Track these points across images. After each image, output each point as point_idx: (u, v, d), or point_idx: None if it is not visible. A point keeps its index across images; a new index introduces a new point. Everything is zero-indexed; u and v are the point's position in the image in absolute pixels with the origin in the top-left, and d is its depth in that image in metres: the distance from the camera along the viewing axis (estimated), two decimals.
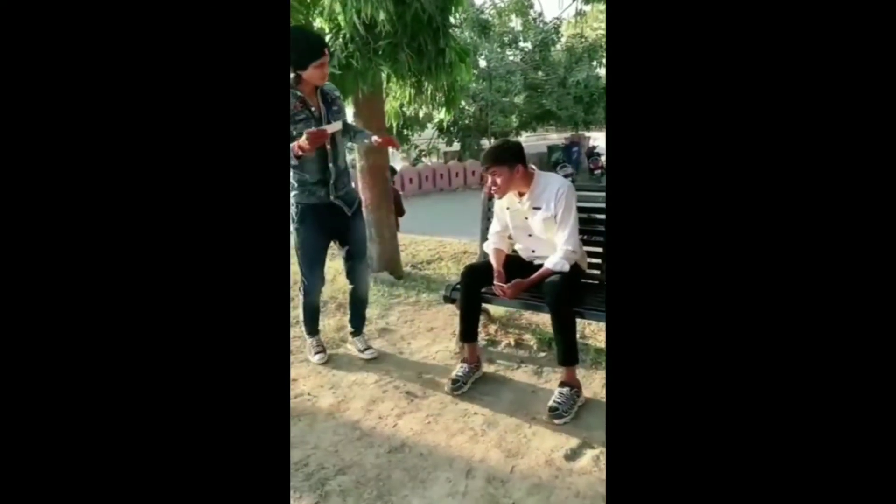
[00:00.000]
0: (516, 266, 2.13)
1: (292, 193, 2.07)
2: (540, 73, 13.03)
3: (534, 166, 2.13)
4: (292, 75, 1.95)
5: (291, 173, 2.05)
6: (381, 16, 2.52)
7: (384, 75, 2.95)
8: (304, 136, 1.83)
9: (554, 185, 2.05)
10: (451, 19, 2.98)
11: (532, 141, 16.69)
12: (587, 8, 11.82)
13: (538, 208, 2.05)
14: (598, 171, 15.01)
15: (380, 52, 2.74)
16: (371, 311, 2.80)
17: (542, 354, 2.39)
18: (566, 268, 1.99)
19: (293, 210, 2.08)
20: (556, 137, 17.41)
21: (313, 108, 2.01)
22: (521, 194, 2.06)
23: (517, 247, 2.24)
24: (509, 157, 2.00)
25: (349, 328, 2.49)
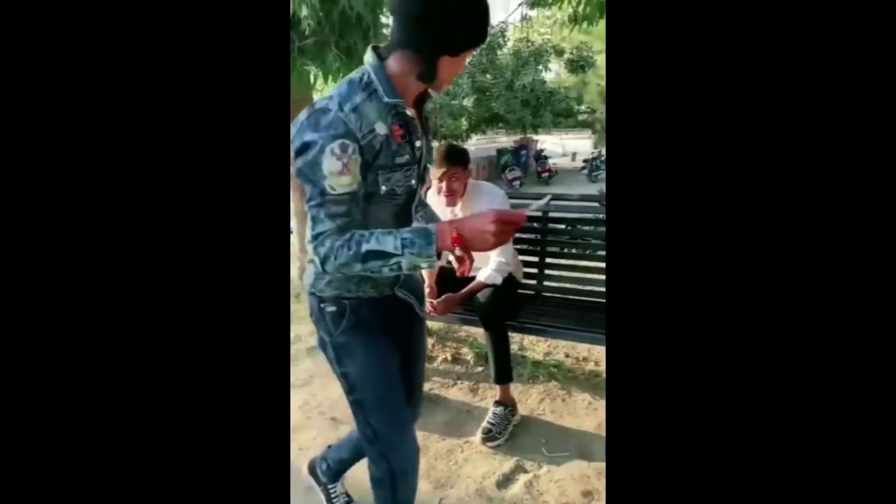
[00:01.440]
0: (450, 280, 2.03)
1: (312, 280, 1.05)
2: (487, 75, 13.10)
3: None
4: (376, 62, 0.93)
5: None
6: (304, 11, 2.36)
7: (311, 76, 2.79)
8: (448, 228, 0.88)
9: (487, 195, 1.96)
10: (383, 18, 2.85)
11: (482, 144, 16.78)
12: (533, 13, 11.97)
13: None
14: (545, 174, 15.25)
15: (305, 52, 2.58)
16: (301, 329, 2.62)
17: (480, 369, 2.29)
18: (498, 280, 1.90)
19: (331, 310, 1.03)
20: (506, 140, 17.59)
21: (418, 143, 0.99)
22: (453, 203, 1.96)
23: (450, 258, 2.14)
24: (466, 159, 1.90)
25: (324, 464, 1.43)
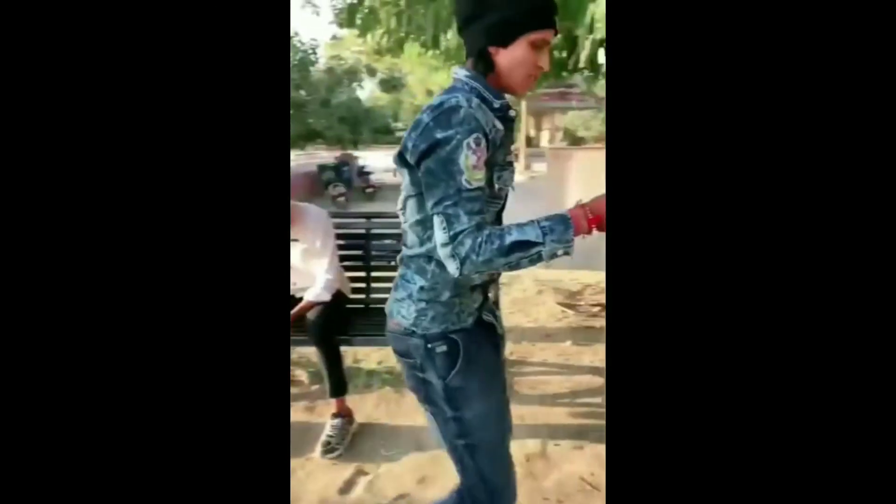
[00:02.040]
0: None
1: (413, 317, 0.96)
2: (301, 91, 12.89)
3: None
4: (468, 70, 0.94)
5: (425, 269, 0.96)
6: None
7: None
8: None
9: (310, 216, 2.02)
10: None
11: (302, 160, 16.36)
12: (343, 32, 12.18)
13: (295, 240, 2.00)
14: (369, 190, 15.54)
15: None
16: None
17: (315, 388, 2.32)
18: (326, 297, 1.98)
19: (441, 350, 0.95)
20: (327, 156, 17.43)
21: (515, 146, 1.01)
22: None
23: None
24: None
25: None
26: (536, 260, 0.84)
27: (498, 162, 0.92)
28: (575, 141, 15.51)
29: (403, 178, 0.93)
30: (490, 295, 1.04)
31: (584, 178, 4.85)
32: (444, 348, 0.94)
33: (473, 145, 0.83)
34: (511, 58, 0.90)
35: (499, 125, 0.90)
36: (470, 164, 0.83)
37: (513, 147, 1.00)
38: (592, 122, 16.04)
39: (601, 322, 3.12)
